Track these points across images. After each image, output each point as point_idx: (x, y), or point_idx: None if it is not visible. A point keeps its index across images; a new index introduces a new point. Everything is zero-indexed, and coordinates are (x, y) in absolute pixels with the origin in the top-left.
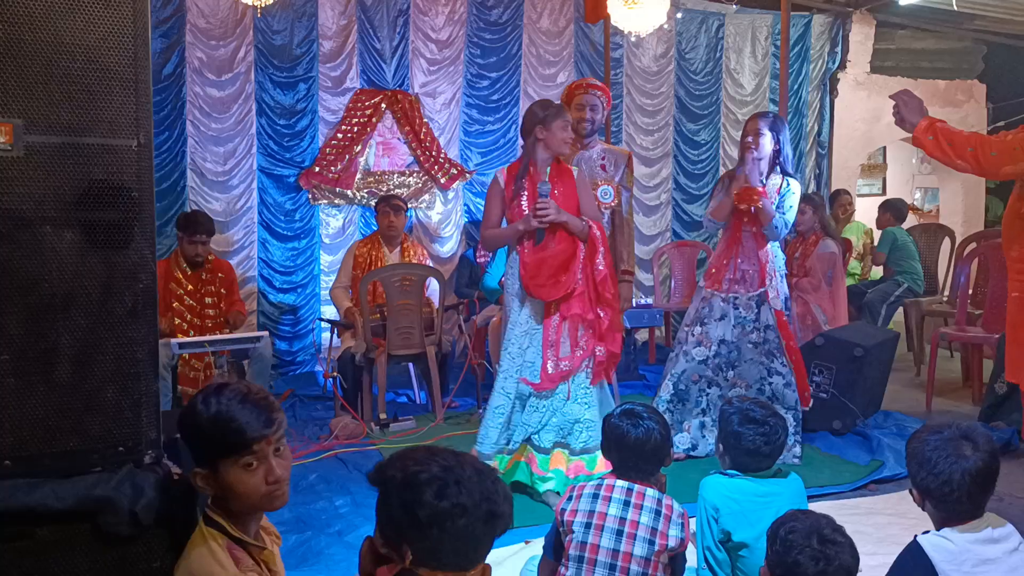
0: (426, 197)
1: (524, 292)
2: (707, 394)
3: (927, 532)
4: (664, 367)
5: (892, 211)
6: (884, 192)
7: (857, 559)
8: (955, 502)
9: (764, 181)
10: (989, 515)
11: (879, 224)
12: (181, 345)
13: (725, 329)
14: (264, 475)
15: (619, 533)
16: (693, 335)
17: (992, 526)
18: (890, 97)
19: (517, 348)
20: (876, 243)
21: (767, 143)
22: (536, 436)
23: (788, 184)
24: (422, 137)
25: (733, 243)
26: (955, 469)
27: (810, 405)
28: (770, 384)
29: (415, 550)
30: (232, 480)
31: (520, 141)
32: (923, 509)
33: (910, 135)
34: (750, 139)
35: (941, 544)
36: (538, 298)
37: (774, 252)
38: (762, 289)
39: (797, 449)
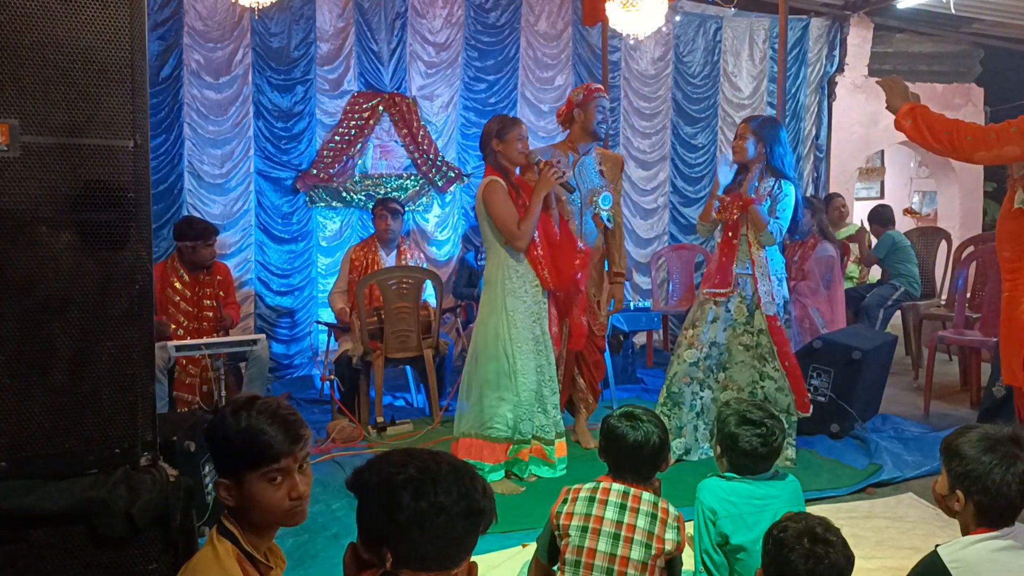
0: (423, 200)
1: (528, 285)
2: (700, 397)
3: (946, 543)
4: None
5: (876, 218)
6: (882, 196)
7: (851, 560)
8: (1005, 507)
9: (756, 183)
10: (1019, 525)
11: (875, 234)
12: (178, 348)
13: (716, 331)
14: (288, 490)
15: (616, 537)
16: (685, 338)
17: (1017, 536)
18: (877, 83)
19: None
20: (873, 247)
21: (751, 147)
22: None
23: (781, 187)
24: (420, 140)
25: (726, 247)
26: (1012, 473)
27: (810, 411)
28: (762, 387)
29: (395, 552)
30: (256, 492)
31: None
32: (960, 513)
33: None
34: (735, 143)
35: (962, 556)
36: (563, 281)
37: (770, 256)
38: (754, 293)
39: (791, 452)
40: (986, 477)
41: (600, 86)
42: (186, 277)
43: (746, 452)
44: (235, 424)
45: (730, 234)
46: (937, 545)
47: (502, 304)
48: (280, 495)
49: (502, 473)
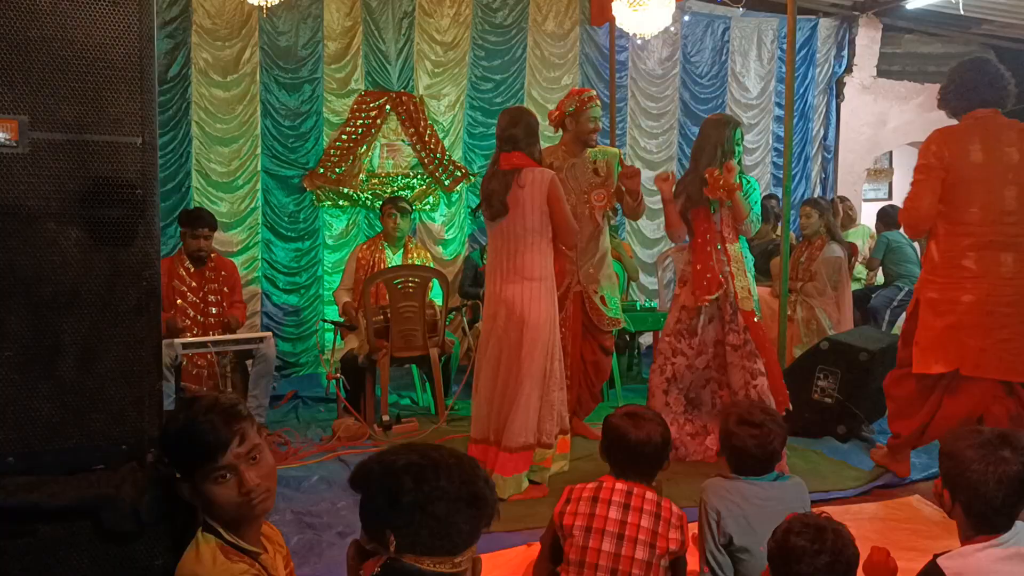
0: (430, 199)
1: None
2: (720, 398)
3: (946, 552)
4: (654, 378)
5: (882, 218)
6: (890, 196)
7: (855, 557)
8: (987, 508)
9: None
10: (1020, 528)
11: (878, 231)
12: (185, 345)
13: (715, 330)
14: (236, 486)
15: (620, 537)
16: (692, 347)
17: (1021, 543)
18: None
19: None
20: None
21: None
22: None
23: (748, 181)
24: (427, 139)
25: (701, 251)
26: (992, 472)
27: (784, 413)
28: (755, 387)
29: (399, 536)
30: (207, 491)
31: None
32: (950, 514)
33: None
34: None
35: (963, 566)
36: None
37: (743, 253)
38: (734, 290)
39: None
40: (966, 475)
41: (594, 94)
42: (192, 269)
43: (739, 450)
44: (173, 428)
45: (707, 237)
46: (936, 555)
47: (551, 297)
48: (229, 492)
49: (526, 482)
